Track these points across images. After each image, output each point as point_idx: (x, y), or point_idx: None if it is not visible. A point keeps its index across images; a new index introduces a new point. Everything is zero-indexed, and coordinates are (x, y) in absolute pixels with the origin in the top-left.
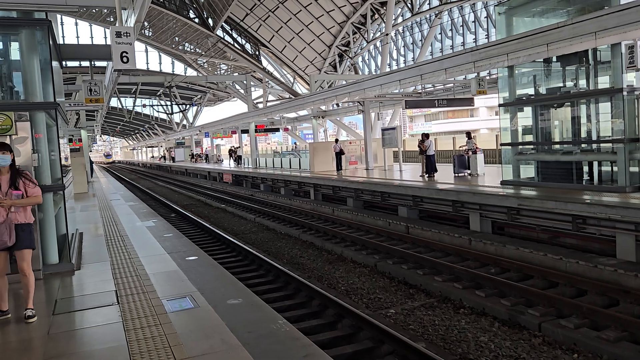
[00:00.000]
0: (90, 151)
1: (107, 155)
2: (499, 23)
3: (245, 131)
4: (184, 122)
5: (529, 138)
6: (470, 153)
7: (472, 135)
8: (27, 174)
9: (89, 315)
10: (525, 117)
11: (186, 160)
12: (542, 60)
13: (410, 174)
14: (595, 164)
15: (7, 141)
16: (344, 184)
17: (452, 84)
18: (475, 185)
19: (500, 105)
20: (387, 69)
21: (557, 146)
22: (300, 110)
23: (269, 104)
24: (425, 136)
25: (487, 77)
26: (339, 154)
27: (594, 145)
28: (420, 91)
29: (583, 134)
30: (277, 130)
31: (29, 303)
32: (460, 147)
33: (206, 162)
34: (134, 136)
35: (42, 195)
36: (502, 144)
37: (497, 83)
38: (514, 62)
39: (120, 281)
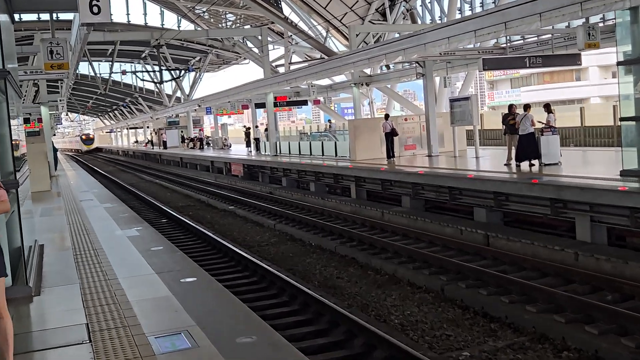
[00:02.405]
0: (54, 134)
1: (87, 140)
2: None
3: (261, 105)
4: (178, 94)
5: None
6: (544, 132)
7: (552, 108)
8: None
9: (51, 358)
10: None
11: (181, 147)
12: None
13: (491, 162)
14: None
15: None
16: (398, 177)
17: (549, 35)
18: (580, 177)
19: (619, 64)
20: (457, 16)
21: None
22: (336, 75)
23: (292, 67)
24: (525, 107)
25: (601, 24)
26: (390, 135)
27: None
28: (503, 45)
29: None
30: (305, 103)
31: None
32: (544, 123)
33: (200, 148)
34: (111, 114)
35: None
36: (623, 119)
37: (615, 32)
38: None
39: (94, 311)
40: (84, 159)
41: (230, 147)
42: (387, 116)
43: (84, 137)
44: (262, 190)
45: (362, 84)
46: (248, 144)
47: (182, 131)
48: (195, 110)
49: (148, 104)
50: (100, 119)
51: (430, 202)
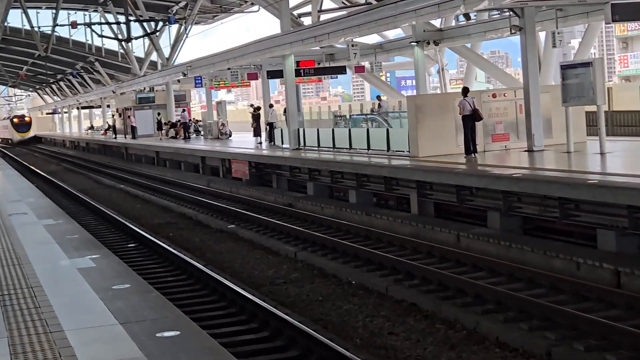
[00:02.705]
0: None
1: (21, 125)
2: None
3: (277, 74)
4: (154, 57)
5: None
6: None
7: None
8: None
9: None
10: None
11: (158, 135)
12: None
13: (625, 160)
14: None
15: None
16: (482, 182)
17: None
18: None
19: None
20: None
21: None
22: (390, 28)
23: (323, 17)
24: None
25: None
26: (471, 120)
27: None
28: None
29: None
30: (342, 71)
31: None
32: None
33: (186, 138)
34: (54, 87)
35: None
36: None
37: None
38: None
39: None
40: (15, 153)
41: (230, 135)
42: (465, 91)
43: (15, 120)
44: (278, 201)
45: (428, 43)
46: (257, 132)
47: (158, 113)
48: (179, 81)
49: (109, 72)
50: (39, 94)
51: (530, 221)
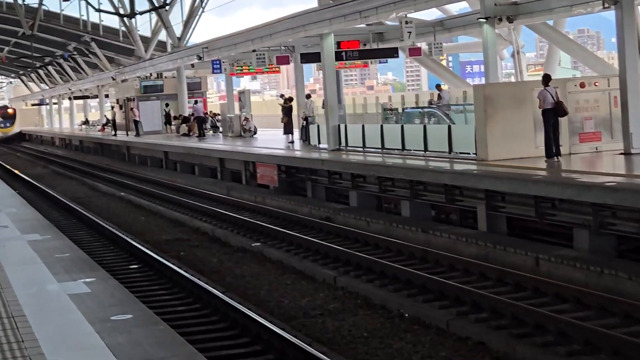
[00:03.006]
0: None
1: (3, 119)
2: None
3: (313, 57)
4: (162, 36)
5: None
6: None
7: None
8: None
9: None
10: None
11: (167, 132)
12: None
13: None
14: None
15: None
16: (567, 192)
17: None
18: None
19: None
20: None
21: None
22: (451, 1)
23: None
24: None
25: None
26: (553, 115)
27: None
28: None
29: None
30: (393, 53)
31: None
32: None
33: (200, 135)
34: (41, 73)
35: None
36: None
37: None
38: None
39: None
40: None
41: (255, 132)
42: (547, 79)
43: None
44: (313, 214)
45: (500, 19)
46: (288, 129)
47: (166, 104)
48: (193, 66)
49: (108, 55)
50: (23, 81)
51: (627, 241)
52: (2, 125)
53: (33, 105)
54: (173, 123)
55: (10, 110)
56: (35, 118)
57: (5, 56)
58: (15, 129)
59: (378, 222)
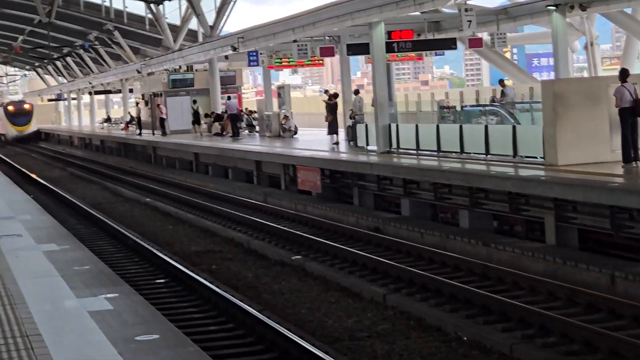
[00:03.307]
0: None
1: (19, 114)
2: None
3: (361, 48)
4: (192, 25)
5: None
6: None
7: None
8: None
9: None
10: None
11: (196, 131)
12: None
13: None
14: None
15: None
16: None
17: None
18: None
19: None
20: None
21: None
22: None
23: None
24: None
25: None
26: (631, 114)
27: None
28: None
29: None
30: (451, 45)
31: None
32: None
33: (234, 135)
34: (58, 64)
35: None
36: None
37: None
38: None
39: None
40: (5, 153)
41: (295, 132)
42: (624, 74)
43: (11, 108)
44: (361, 224)
45: (572, 7)
46: (332, 128)
47: (194, 101)
48: (227, 57)
49: (133, 45)
50: (39, 74)
51: None
52: (18, 122)
53: (49, 100)
54: (204, 121)
55: (27, 106)
56: (51, 115)
57: (20, 46)
58: (33, 127)
59: (433, 233)
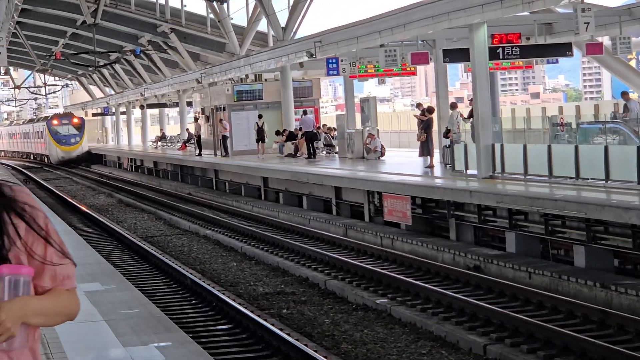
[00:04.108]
0: None
1: (68, 132)
2: None
3: (459, 55)
4: (262, 27)
5: None
6: None
7: None
8: (28, 206)
9: None
10: None
11: (260, 151)
12: None
13: None
14: None
15: None
16: None
17: None
18: None
19: None
20: None
21: None
22: None
23: None
24: None
25: None
26: None
27: None
28: None
29: None
30: (565, 52)
31: None
32: None
33: (310, 156)
34: (105, 73)
35: None
36: None
37: None
38: None
39: None
40: (43, 177)
41: (382, 154)
42: None
43: (55, 122)
44: (458, 262)
45: None
46: (426, 149)
47: (259, 116)
48: (302, 65)
49: (192, 50)
50: (82, 84)
51: None
52: (65, 142)
53: (94, 115)
54: (274, 140)
55: (76, 120)
56: (96, 132)
57: (60, 51)
58: (83, 146)
59: (543, 273)
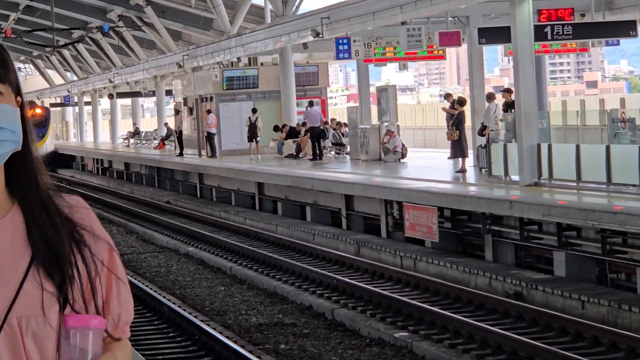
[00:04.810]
0: None
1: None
2: None
3: (497, 36)
4: None
5: None
6: None
7: None
8: (90, 235)
9: None
10: None
11: (253, 151)
12: None
13: None
14: None
15: None
16: None
17: None
18: None
19: None
20: None
21: None
22: None
23: None
24: None
25: None
26: None
27: None
28: None
29: None
30: (628, 31)
31: None
32: None
33: (316, 157)
34: (66, 55)
35: None
36: None
37: None
38: None
39: None
40: None
41: (403, 156)
42: None
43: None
44: (494, 287)
45: None
46: (458, 150)
47: (254, 110)
48: (306, 46)
49: (172, 28)
50: (38, 68)
51: None
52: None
53: (53, 105)
54: (274, 138)
55: (38, 111)
56: (55, 126)
57: (11, 28)
58: (47, 145)
59: (599, 302)
